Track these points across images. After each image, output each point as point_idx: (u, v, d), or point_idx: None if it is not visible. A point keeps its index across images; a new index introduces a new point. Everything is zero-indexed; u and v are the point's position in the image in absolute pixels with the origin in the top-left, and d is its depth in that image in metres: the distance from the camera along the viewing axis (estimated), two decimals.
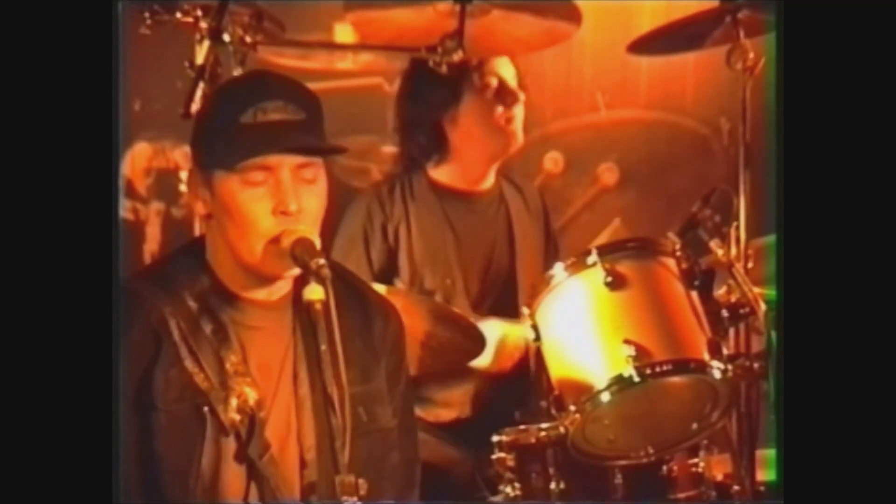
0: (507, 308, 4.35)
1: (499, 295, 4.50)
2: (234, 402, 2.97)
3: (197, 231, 4.02)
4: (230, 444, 2.99)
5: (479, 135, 4.53)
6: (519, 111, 4.53)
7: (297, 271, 2.93)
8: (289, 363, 3.05)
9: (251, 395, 2.99)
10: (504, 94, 4.51)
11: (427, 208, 4.53)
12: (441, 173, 4.56)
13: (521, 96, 4.53)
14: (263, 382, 3.02)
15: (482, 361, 4.22)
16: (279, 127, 2.92)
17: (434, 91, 4.49)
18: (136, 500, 2.97)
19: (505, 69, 4.53)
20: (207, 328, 3.00)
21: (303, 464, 3.02)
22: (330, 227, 3.13)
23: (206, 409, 2.97)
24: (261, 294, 3.04)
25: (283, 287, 3.05)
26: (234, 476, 2.99)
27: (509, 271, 4.57)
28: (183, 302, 3.01)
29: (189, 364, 2.98)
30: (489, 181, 4.62)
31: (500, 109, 4.50)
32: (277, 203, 2.92)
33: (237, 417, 2.97)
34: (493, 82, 4.51)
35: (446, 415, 4.46)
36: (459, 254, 4.53)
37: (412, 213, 4.51)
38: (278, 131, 2.91)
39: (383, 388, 3.14)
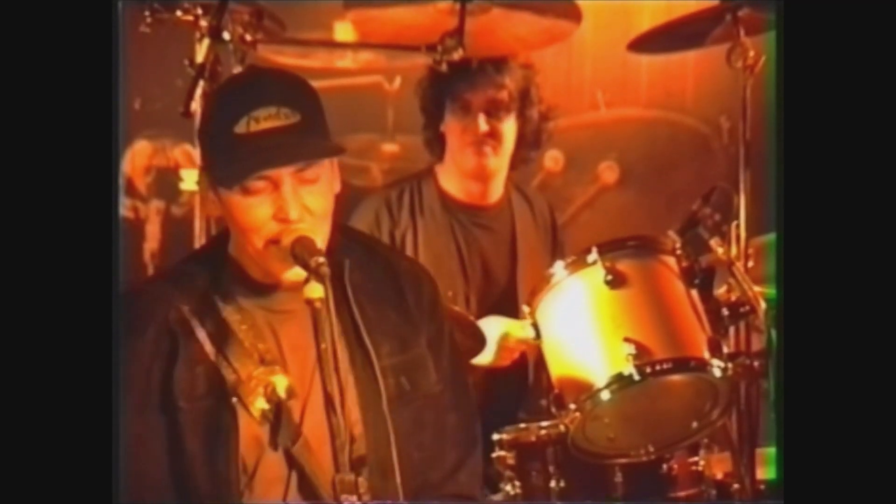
0: None
1: (500, 308, 4.48)
2: (261, 391, 2.97)
3: (197, 229, 4.03)
4: (265, 434, 3.00)
5: (455, 154, 4.56)
6: (490, 141, 4.50)
7: (298, 273, 2.92)
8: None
9: (280, 384, 2.98)
10: (474, 123, 4.50)
11: (434, 219, 4.55)
12: (447, 179, 4.58)
13: (500, 128, 4.50)
14: (299, 365, 3.02)
15: (483, 358, 4.22)
16: (273, 136, 2.89)
17: (430, 101, 4.54)
18: (167, 500, 2.98)
19: (487, 96, 4.49)
20: (234, 319, 3.01)
21: (351, 438, 2.99)
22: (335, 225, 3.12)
23: (234, 399, 2.97)
24: (289, 277, 2.99)
25: None
26: (273, 465, 3.00)
27: (511, 285, 4.57)
28: (206, 297, 3.02)
29: (216, 359, 2.98)
30: (498, 193, 4.63)
31: (472, 135, 4.51)
32: (277, 210, 2.92)
33: (267, 407, 2.98)
34: (462, 111, 4.50)
35: None
36: (462, 266, 4.54)
37: (419, 223, 4.53)
38: (272, 141, 2.89)
39: (425, 354, 3.13)
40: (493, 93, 4.52)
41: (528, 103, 4.60)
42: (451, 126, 4.56)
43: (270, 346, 3.02)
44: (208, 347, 2.99)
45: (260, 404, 2.98)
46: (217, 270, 3.05)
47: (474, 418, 3.25)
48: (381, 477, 2.96)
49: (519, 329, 4.20)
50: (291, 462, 3.01)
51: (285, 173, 2.91)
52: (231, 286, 3.04)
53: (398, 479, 2.94)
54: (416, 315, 3.14)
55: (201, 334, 3.00)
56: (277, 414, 2.98)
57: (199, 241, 4.00)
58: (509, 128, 4.55)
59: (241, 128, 2.90)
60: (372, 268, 3.08)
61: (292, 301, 2.97)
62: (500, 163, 4.56)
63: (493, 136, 4.51)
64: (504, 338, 4.28)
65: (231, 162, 2.91)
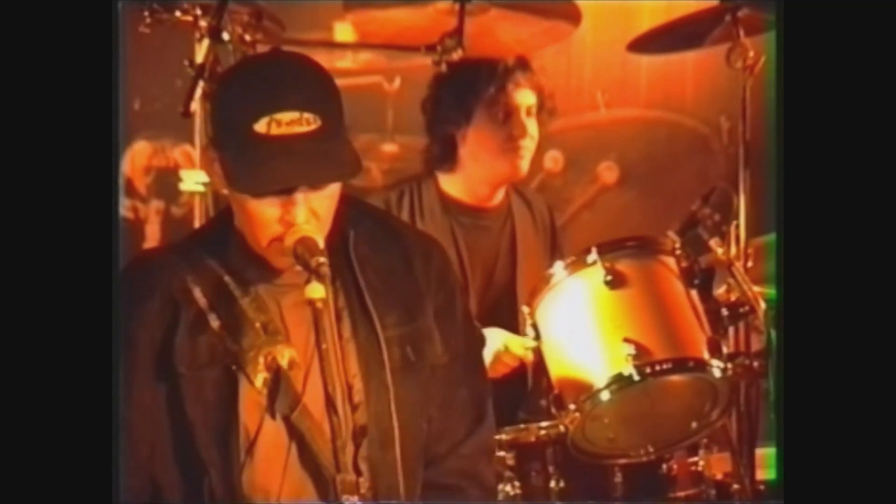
0: (506, 325, 4.32)
1: (498, 311, 4.47)
2: (262, 360, 2.97)
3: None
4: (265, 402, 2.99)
5: (485, 158, 4.46)
6: (528, 143, 4.45)
7: (299, 268, 2.92)
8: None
9: (282, 354, 2.97)
10: (514, 125, 4.43)
11: (434, 221, 4.51)
12: (451, 184, 4.53)
13: (532, 130, 4.44)
14: (302, 336, 2.99)
15: None
16: (293, 142, 2.85)
17: (449, 106, 4.47)
18: (169, 467, 2.99)
19: (524, 98, 4.43)
20: (237, 291, 3.00)
21: (353, 407, 2.98)
22: None
23: (234, 367, 2.96)
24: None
25: None
26: (273, 432, 2.99)
27: (510, 288, 4.55)
28: (209, 268, 3.01)
29: (218, 328, 2.98)
30: (498, 197, 4.59)
31: (508, 139, 4.44)
32: (284, 213, 2.91)
33: (268, 376, 2.97)
34: (501, 114, 4.43)
35: None
36: (462, 268, 4.51)
37: (419, 225, 4.48)
38: (292, 148, 2.85)
39: (430, 325, 3.11)
40: (537, 93, 4.47)
41: (551, 104, 4.56)
42: (479, 130, 4.44)
43: (273, 317, 3.01)
44: (210, 316, 2.99)
45: (261, 373, 2.97)
46: (221, 242, 3.04)
47: (486, 394, 3.22)
48: (381, 448, 2.96)
49: (519, 346, 4.16)
50: (291, 429, 3.00)
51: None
52: (234, 257, 3.02)
53: (398, 451, 2.94)
54: (423, 284, 3.11)
55: (203, 303, 2.99)
56: (276, 381, 2.97)
57: None
58: (536, 128, 4.51)
59: (261, 126, 2.85)
60: (380, 239, 3.07)
61: (295, 276, 2.95)
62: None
63: (532, 137, 4.47)
64: (501, 352, 4.24)
65: (246, 164, 2.88)
